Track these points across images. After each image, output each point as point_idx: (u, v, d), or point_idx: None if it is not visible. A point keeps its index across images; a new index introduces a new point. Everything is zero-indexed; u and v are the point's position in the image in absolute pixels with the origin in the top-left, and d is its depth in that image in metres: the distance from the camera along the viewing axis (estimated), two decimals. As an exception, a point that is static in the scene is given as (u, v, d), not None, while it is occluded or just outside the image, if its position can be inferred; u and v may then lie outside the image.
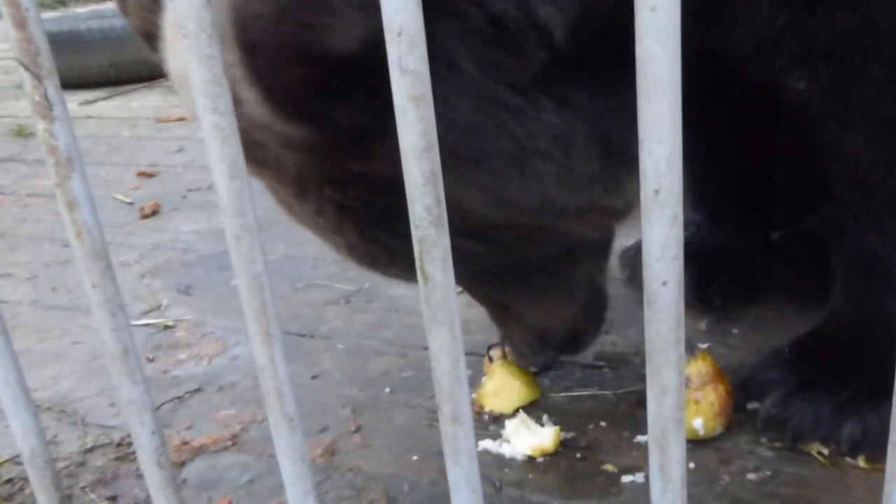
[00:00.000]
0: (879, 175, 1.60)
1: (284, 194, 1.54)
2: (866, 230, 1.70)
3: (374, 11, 1.02)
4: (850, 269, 1.79)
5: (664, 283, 0.82)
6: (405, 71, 0.85)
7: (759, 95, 1.87)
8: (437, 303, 0.97)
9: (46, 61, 1.10)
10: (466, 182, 1.42)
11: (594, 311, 1.96)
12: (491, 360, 2.00)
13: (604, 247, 1.89)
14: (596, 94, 1.47)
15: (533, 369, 2.05)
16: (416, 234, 0.93)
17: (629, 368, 2.05)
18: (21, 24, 1.06)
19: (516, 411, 1.90)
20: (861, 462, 1.67)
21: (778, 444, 1.74)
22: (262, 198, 1.08)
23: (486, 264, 1.61)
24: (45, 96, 1.12)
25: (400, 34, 0.83)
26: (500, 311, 1.94)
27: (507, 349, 2.04)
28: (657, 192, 0.78)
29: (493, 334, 2.14)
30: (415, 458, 1.82)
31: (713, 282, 2.20)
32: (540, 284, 1.82)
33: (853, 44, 1.53)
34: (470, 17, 1.30)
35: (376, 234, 1.53)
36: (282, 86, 1.24)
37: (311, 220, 1.57)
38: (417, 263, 0.95)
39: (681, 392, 0.89)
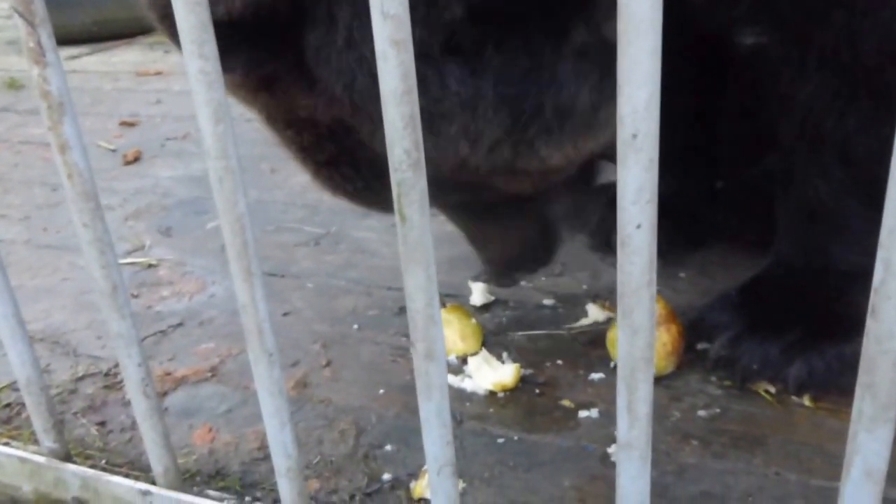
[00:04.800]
0: (831, 123, 1.55)
1: None
2: (813, 177, 1.65)
3: None
4: (795, 216, 1.74)
5: (638, 227, 0.79)
6: (386, 16, 0.79)
7: (708, 45, 1.82)
8: (414, 243, 0.92)
9: (40, 9, 1.07)
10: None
11: (545, 243, 1.92)
12: (444, 304, 1.96)
13: (557, 192, 1.78)
14: (512, 55, 1.39)
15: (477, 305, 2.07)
16: (394, 177, 0.89)
17: (583, 309, 2.01)
18: (14, -27, 1.02)
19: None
20: (806, 401, 1.64)
21: (727, 383, 1.71)
22: (241, 143, 1.03)
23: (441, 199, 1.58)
24: (39, 43, 1.08)
25: (382, -20, 0.78)
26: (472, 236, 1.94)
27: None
28: (634, 136, 0.73)
29: (454, 276, 2.14)
30: (381, 391, 1.79)
31: (660, 228, 2.15)
32: (493, 220, 1.81)
33: None
34: None
35: (330, 173, 1.56)
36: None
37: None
38: (396, 205, 0.91)
39: (651, 333, 0.85)
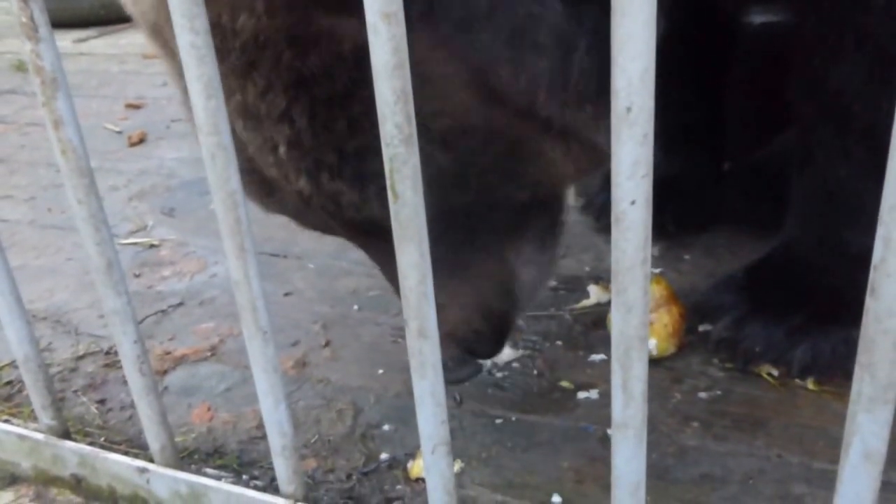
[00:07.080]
0: (861, 105, 1.50)
1: (226, 76, 1.11)
2: (834, 160, 1.59)
3: None
4: (810, 197, 1.70)
5: (633, 203, 0.76)
6: (378, -13, 0.77)
7: (715, 26, 1.77)
8: (407, 220, 0.90)
9: (31, -18, 1.04)
10: (449, 52, 1.12)
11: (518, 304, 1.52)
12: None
13: (551, 220, 1.50)
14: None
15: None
16: (386, 153, 0.86)
17: (584, 290, 1.99)
18: (3, -56, 0.99)
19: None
20: (810, 384, 1.61)
21: (729, 366, 1.69)
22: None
23: (442, 196, 1.20)
24: (31, 18, 1.06)
25: (374, -50, 0.76)
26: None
27: None
28: (629, 109, 0.71)
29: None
30: (380, 371, 1.77)
31: (666, 209, 2.07)
32: (484, 252, 1.42)
33: None
34: None
35: (332, 114, 1.16)
36: None
37: (252, 109, 1.18)
38: (388, 182, 0.89)
39: (645, 311, 0.83)
